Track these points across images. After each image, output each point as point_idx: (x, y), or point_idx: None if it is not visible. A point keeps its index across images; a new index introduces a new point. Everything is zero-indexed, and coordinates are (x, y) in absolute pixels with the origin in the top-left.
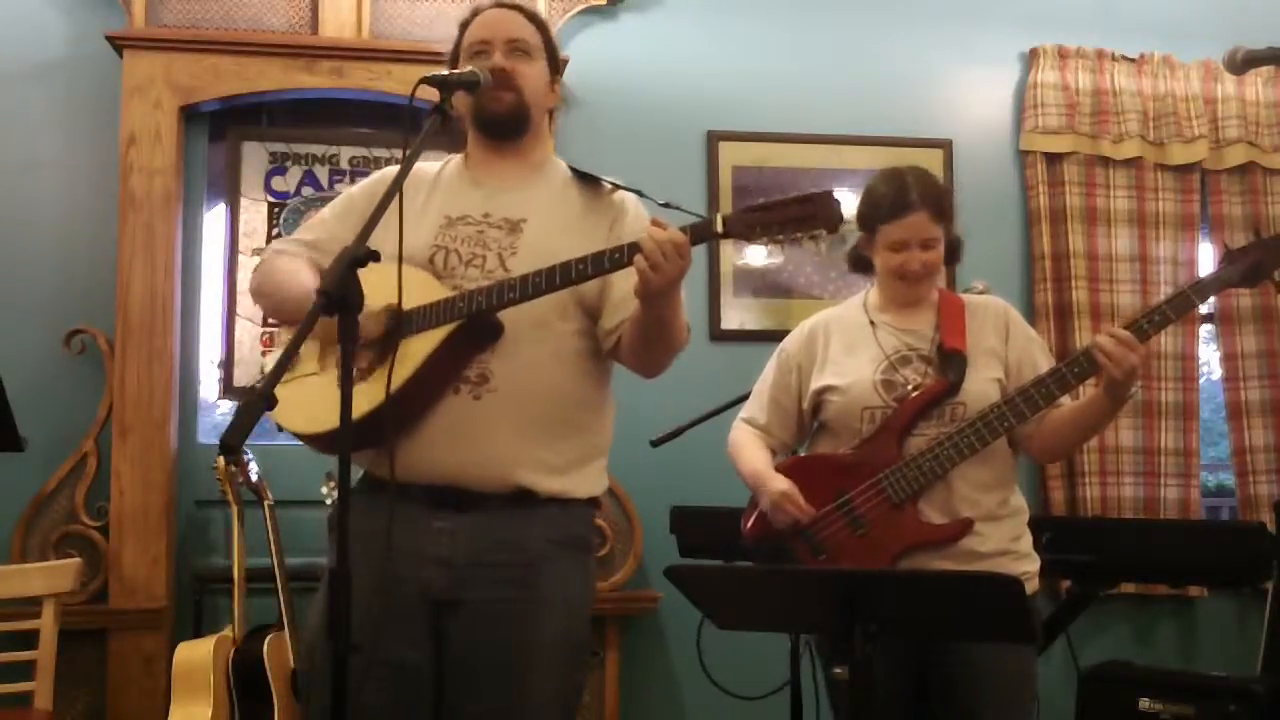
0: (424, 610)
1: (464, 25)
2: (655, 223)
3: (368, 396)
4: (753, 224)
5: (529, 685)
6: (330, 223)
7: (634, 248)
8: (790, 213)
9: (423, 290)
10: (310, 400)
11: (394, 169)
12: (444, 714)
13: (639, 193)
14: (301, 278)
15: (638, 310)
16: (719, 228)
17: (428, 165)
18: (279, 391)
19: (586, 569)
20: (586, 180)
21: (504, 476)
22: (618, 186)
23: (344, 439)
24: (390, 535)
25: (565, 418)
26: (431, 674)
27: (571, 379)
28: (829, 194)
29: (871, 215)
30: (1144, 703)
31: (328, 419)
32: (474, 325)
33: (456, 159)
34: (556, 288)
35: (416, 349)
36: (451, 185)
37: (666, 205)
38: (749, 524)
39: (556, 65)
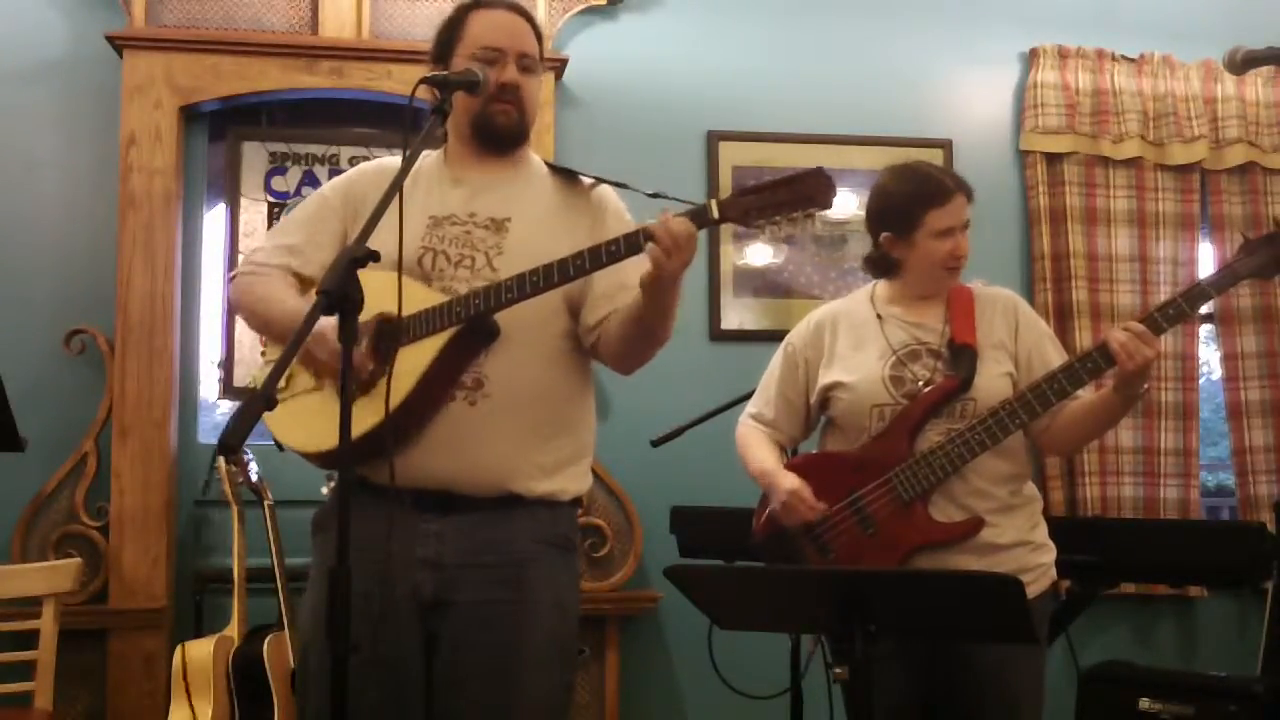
0: (413, 612)
1: (465, 11)
2: (677, 216)
3: (371, 410)
4: (747, 207)
5: (521, 686)
6: (306, 226)
7: (631, 241)
8: (783, 194)
9: (411, 295)
10: (311, 417)
11: (371, 165)
12: (435, 715)
13: (625, 185)
14: (283, 299)
15: (637, 301)
16: (715, 214)
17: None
18: (280, 410)
19: (572, 568)
20: (564, 176)
21: (498, 483)
22: (599, 180)
23: (344, 439)
24: (390, 539)
25: (556, 418)
26: (422, 675)
27: (562, 378)
28: (820, 171)
29: (911, 206)
30: (1144, 703)
31: (330, 436)
32: (472, 328)
33: (434, 155)
34: (554, 285)
35: (418, 358)
36: (432, 183)
37: (655, 195)
38: (759, 522)
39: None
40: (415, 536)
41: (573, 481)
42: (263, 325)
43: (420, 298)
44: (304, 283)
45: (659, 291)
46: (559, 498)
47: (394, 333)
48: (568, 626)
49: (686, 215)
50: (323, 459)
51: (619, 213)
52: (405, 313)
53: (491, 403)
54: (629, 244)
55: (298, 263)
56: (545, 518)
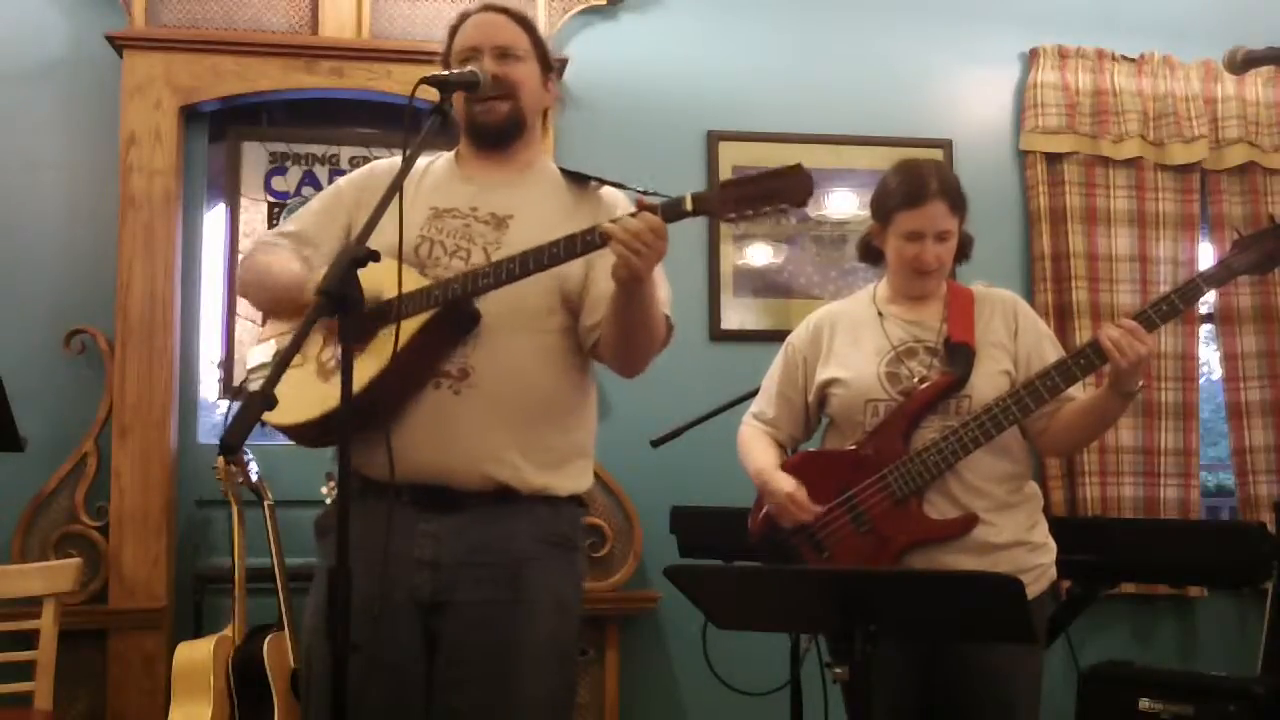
0: (412, 612)
1: (453, 30)
2: (641, 201)
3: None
4: (723, 200)
5: (520, 686)
6: (317, 215)
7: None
8: (760, 188)
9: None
10: (289, 391)
11: (386, 162)
12: (435, 714)
13: (622, 186)
14: (285, 265)
15: (613, 298)
16: (689, 206)
17: (422, 161)
18: (257, 382)
19: (574, 568)
20: (575, 179)
21: (484, 473)
22: (604, 182)
23: (344, 437)
24: (388, 538)
25: (546, 415)
26: (423, 675)
27: (554, 376)
28: (799, 168)
29: (887, 203)
30: (1144, 703)
31: (305, 409)
32: (450, 313)
33: (448, 155)
34: (530, 272)
35: (392, 339)
36: (440, 179)
37: (644, 193)
38: (755, 521)
39: (549, 64)
40: (413, 537)
41: (568, 479)
42: (259, 287)
43: (407, 283)
44: None
45: (628, 289)
46: (554, 493)
47: (377, 315)
48: (568, 627)
49: (660, 208)
50: (296, 432)
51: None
52: (389, 297)
53: (477, 393)
54: (604, 234)
55: (299, 247)
56: (545, 516)
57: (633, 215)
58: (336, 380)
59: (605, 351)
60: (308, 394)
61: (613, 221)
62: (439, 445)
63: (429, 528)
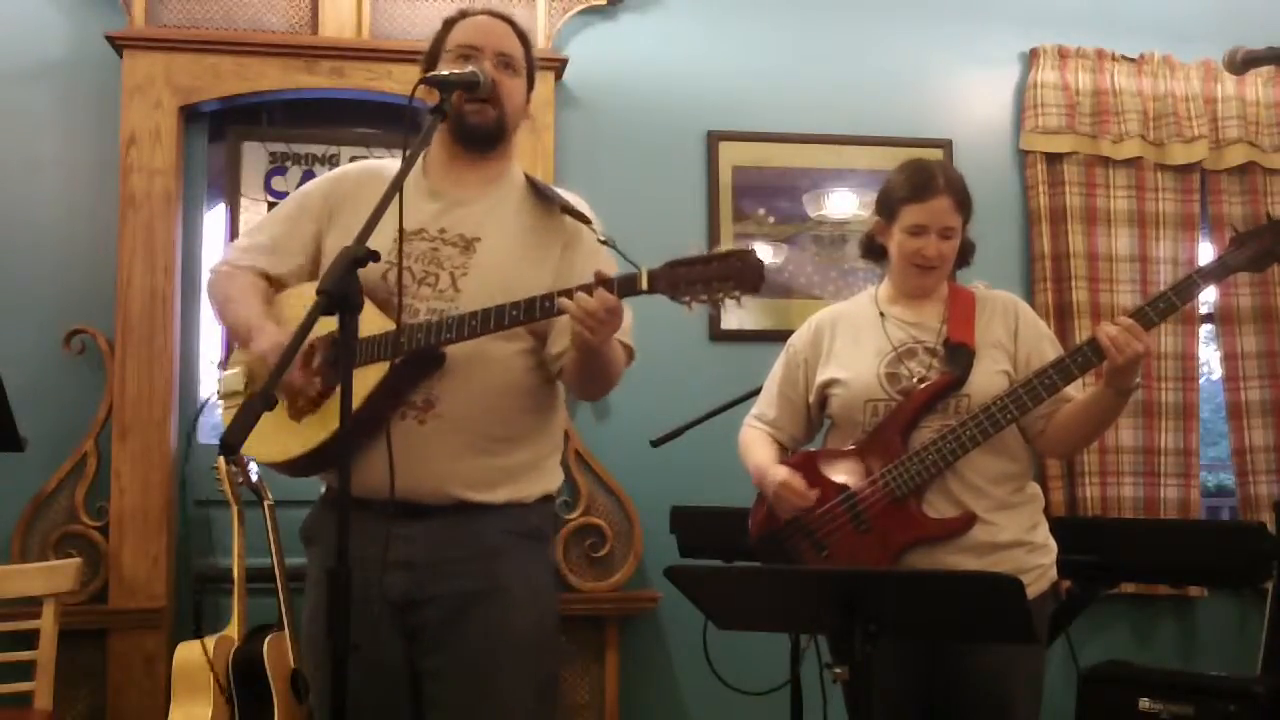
0: (390, 613)
1: (449, 23)
2: (599, 275)
3: (321, 425)
4: (675, 280)
5: (502, 674)
6: (284, 223)
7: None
8: (712, 270)
9: (365, 319)
10: (268, 429)
11: (356, 167)
12: (423, 711)
13: (586, 221)
14: (241, 304)
15: (573, 358)
16: (644, 284)
17: (390, 165)
18: (230, 411)
19: (544, 558)
20: (541, 197)
21: (451, 495)
22: (567, 210)
23: (344, 441)
24: (373, 544)
25: (511, 434)
26: (406, 672)
27: (518, 397)
28: (751, 252)
29: (893, 197)
30: (1144, 703)
31: (283, 449)
32: (415, 360)
33: (415, 165)
34: (490, 330)
35: (362, 383)
36: (408, 195)
37: (604, 243)
38: (755, 521)
39: (532, 82)
40: (389, 540)
41: (532, 485)
42: (221, 316)
43: (369, 319)
44: (273, 282)
45: (585, 355)
46: (522, 500)
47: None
48: (545, 615)
49: (615, 284)
50: (282, 468)
51: (593, 245)
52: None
53: (440, 422)
54: (560, 310)
55: (266, 262)
56: (515, 514)
57: (588, 290)
58: (309, 420)
59: (568, 380)
60: (285, 434)
61: (567, 296)
62: (405, 472)
63: (401, 531)
